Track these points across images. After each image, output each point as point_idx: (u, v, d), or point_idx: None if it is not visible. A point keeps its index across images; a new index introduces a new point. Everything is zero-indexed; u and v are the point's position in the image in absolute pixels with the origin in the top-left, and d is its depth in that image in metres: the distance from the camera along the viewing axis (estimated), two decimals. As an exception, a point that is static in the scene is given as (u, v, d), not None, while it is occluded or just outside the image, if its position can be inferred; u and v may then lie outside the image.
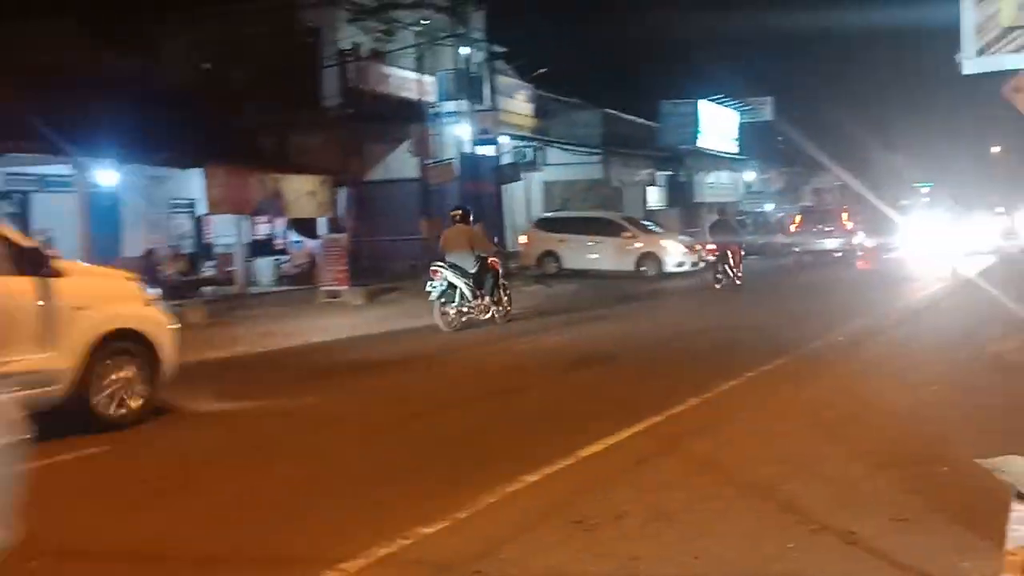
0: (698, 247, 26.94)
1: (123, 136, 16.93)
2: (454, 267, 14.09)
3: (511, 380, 9.76)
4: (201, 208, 21.14)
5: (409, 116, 26.07)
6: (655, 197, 39.33)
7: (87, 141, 16.42)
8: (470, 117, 26.52)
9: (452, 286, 13.92)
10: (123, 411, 7.61)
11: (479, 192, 26.07)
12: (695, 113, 39.83)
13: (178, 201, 22.01)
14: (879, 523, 4.62)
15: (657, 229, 27.58)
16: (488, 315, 14.41)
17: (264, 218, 23.29)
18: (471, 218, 15.02)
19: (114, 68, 20.66)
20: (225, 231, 22.06)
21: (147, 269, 18.93)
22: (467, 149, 26.69)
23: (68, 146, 16.00)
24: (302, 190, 21.73)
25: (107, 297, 7.83)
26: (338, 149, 24.62)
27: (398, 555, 4.53)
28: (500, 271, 15.05)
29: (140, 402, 7.74)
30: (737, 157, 44.95)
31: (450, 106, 27.52)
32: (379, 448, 6.96)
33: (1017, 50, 3.89)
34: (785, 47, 48.60)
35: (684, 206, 39.27)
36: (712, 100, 41.60)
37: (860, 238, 29.66)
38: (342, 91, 25.58)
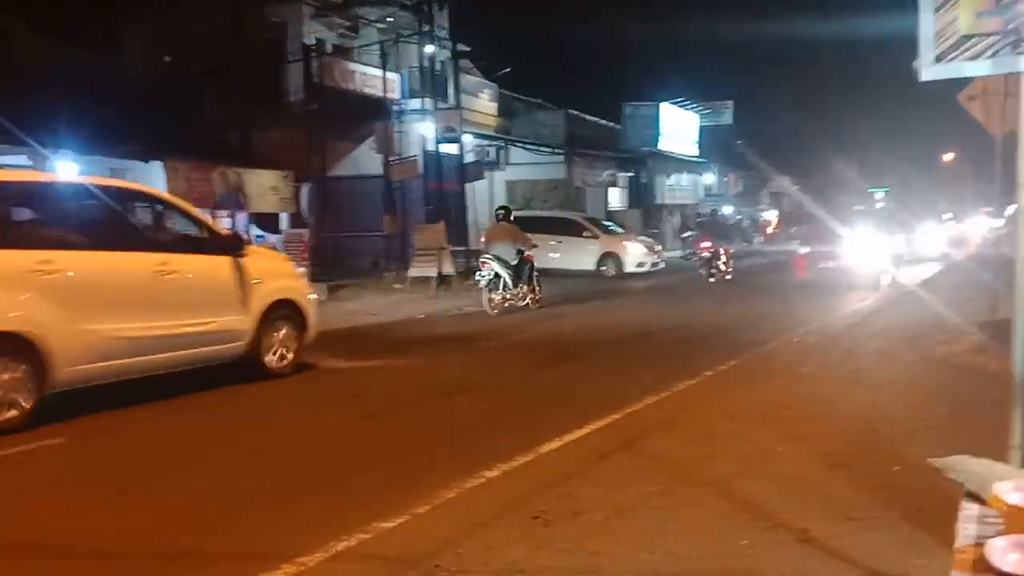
0: (658, 248, 27.22)
1: (83, 128, 16.70)
2: (498, 259, 16.01)
3: (474, 376, 9.80)
4: (161, 201, 20.92)
5: (373, 113, 25.98)
6: (617, 198, 39.51)
7: (46, 132, 16.19)
8: (434, 115, 26.48)
9: (497, 276, 15.91)
10: (283, 363, 9.69)
11: (443, 190, 26.05)
12: (656, 116, 40.01)
13: (138, 194, 21.74)
14: (833, 521, 4.69)
15: (618, 230, 27.74)
16: (525, 302, 16.43)
17: (226, 212, 23.09)
18: (512, 217, 17.11)
19: (74, 60, 20.38)
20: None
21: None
22: (431, 147, 26.64)
23: (26, 137, 15.75)
24: (264, 185, 21.58)
25: (273, 273, 9.96)
26: (301, 144, 24.51)
27: (357, 549, 4.54)
28: (535, 264, 17.19)
29: (292, 357, 9.79)
30: (697, 160, 45.27)
31: (414, 104, 27.48)
32: (337, 444, 6.95)
33: (974, 57, 3.94)
34: (747, 54, 49.16)
35: (645, 207, 39.50)
36: (673, 103, 41.84)
37: (796, 244, 26.66)
38: (306, 87, 25.45)
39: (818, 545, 4.39)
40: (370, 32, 28.60)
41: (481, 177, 29.14)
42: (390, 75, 27.30)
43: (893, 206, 38.08)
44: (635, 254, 25.72)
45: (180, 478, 5.95)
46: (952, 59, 4.00)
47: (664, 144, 40.49)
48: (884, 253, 20.54)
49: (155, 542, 4.81)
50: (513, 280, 16.15)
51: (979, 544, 2.14)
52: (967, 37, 3.95)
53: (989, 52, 3.93)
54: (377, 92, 26.67)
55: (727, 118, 47.41)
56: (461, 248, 24.61)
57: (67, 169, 18.07)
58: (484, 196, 31.44)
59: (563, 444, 6.46)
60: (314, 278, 19.46)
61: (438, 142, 26.06)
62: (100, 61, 21.62)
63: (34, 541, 4.85)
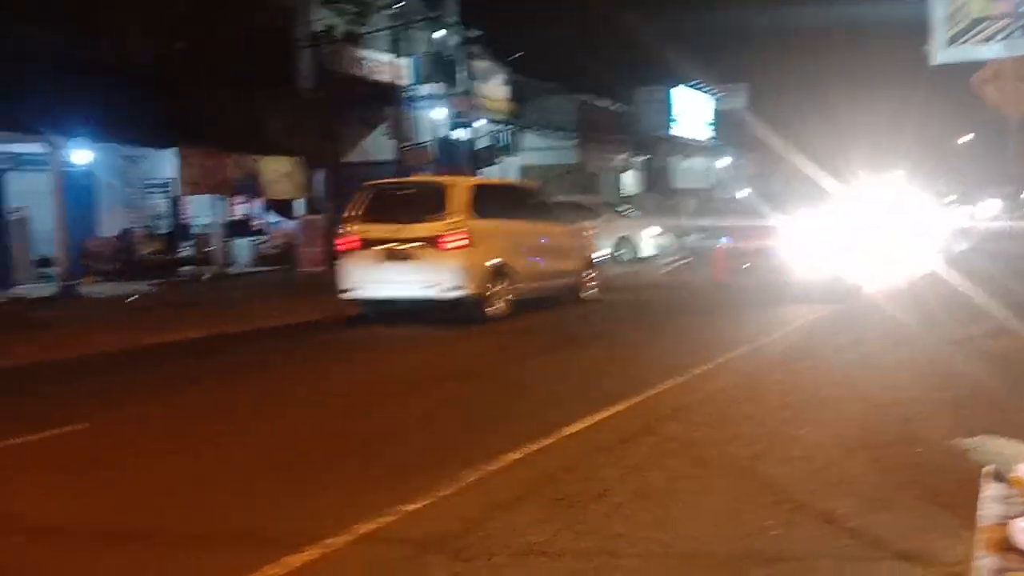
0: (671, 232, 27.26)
1: (97, 115, 16.76)
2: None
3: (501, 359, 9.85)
4: (177, 188, 21.04)
5: (385, 99, 25.98)
6: (631, 182, 39.42)
7: (61, 120, 16.27)
8: (446, 100, 26.46)
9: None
10: (591, 295, 15.16)
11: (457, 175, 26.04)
12: (670, 100, 39.88)
13: (153, 181, 21.84)
14: (855, 503, 4.69)
15: (632, 214, 27.72)
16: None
17: (241, 198, 23.18)
18: None
19: (87, 47, 20.39)
20: (202, 212, 21.95)
21: (122, 249, 18.82)
22: (443, 133, 26.63)
23: (41, 125, 15.84)
24: (279, 171, 21.66)
25: (585, 238, 15.84)
26: (313, 131, 24.52)
27: (380, 532, 4.54)
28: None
29: (596, 292, 15.36)
30: (712, 143, 45.05)
31: (425, 89, 27.45)
32: (362, 424, 6.98)
33: (986, 40, 3.95)
34: (761, 36, 48.72)
35: (659, 191, 39.40)
36: (688, 86, 41.63)
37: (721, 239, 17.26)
38: (316, 73, 25.43)
39: (842, 526, 4.39)
40: (379, 18, 28.54)
41: (494, 162, 29.14)
42: (401, 61, 27.26)
43: (865, 188, 28.27)
44: (649, 239, 25.73)
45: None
46: (964, 42, 4.03)
47: (678, 128, 40.36)
48: (845, 252, 15.02)
49: (170, 526, 4.87)
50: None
51: (1003, 524, 2.15)
52: (979, 20, 3.97)
53: (1001, 35, 3.95)
54: (387, 78, 26.64)
55: (741, 101, 47.19)
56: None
57: (82, 157, 18.17)
58: (498, 182, 31.44)
59: (585, 427, 6.48)
60: (331, 264, 19.57)
61: (450, 128, 26.05)
62: (111, 47, 21.61)
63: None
